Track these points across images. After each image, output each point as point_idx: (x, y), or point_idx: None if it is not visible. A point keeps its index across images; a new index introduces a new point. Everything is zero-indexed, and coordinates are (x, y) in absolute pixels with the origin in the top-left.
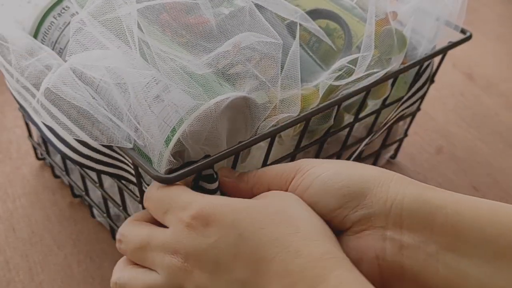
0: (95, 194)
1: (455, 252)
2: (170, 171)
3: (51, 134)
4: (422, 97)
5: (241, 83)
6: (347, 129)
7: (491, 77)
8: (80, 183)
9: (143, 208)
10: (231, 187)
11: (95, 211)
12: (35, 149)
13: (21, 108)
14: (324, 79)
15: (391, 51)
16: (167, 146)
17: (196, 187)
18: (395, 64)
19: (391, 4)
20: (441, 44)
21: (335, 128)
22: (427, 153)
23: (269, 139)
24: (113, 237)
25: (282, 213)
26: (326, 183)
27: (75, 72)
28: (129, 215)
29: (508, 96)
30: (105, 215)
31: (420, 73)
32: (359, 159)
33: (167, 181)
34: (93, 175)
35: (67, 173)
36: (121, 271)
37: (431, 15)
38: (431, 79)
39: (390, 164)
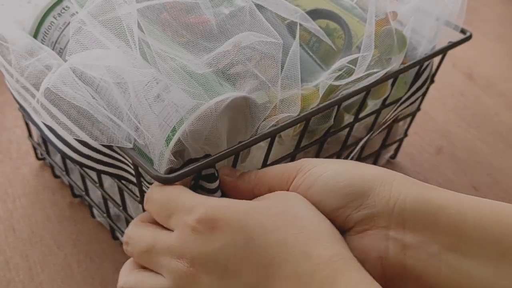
0: (95, 194)
1: (458, 252)
2: (170, 171)
3: (51, 134)
4: (422, 97)
5: (241, 82)
6: (347, 129)
7: (491, 77)
8: (80, 183)
9: (143, 209)
10: (231, 186)
11: (95, 211)
12: (35, 149)
13: (21, 108)
14: (324, 79)
15: (391, 51)
16: (167, 146)
17: (196, 186)
18: (395, 64)
19: (391, 4)
20: (441, 44)
21: (335, 128)
22: (427, 153)
23: (269, 139)
24: (113, 237)
25: (285, 214)
26: (328, 183)
27: (75, 72)
28: (129, 215)
29: (508, 96)
30: (105, 215)
31: (420, 73)
32: (359, 159)
33: (167, 181)
34: (93, 175)
35: (67, 173)
36: (127, 275)
37: (431, 15)
38: (431, 79)
39: (390, 164)
